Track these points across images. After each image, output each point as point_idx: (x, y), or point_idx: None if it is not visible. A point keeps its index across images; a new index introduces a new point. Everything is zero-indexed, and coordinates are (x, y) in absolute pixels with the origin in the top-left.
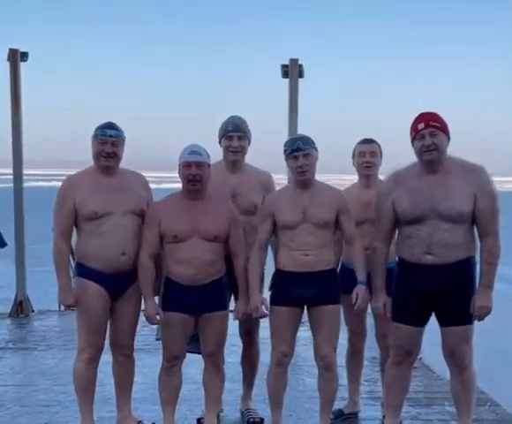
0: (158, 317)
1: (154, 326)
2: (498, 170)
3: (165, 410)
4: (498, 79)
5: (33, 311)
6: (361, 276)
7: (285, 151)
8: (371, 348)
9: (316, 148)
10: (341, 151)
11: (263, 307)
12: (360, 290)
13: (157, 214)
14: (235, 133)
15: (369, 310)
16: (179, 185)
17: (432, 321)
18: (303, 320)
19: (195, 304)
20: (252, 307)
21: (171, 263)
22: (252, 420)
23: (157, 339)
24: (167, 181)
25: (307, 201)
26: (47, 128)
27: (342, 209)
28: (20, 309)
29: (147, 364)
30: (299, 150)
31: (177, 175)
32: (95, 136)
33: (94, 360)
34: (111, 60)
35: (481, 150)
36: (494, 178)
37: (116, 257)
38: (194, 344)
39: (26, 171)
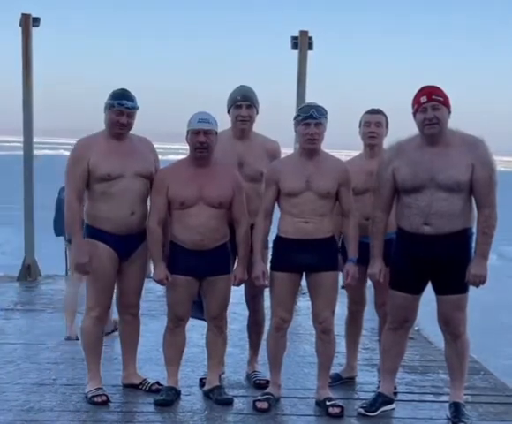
0: (166, 281)
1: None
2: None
3: (169, 369)
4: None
5: (40, 275)
6: (352, 252)
7: (297, 116)
8: (370, 319)
9: (327, 119)
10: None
11: (263, 279)
12: (350, 267)
13: (165, 180)
14: (243, 103)
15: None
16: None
17: (431, 294)
18: (304, 291)
19: (200, 268)
20: (253, 276)
21: (178, 229)
22: (258, 381)
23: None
24: (173, 153)
25: (311, 170)
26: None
27: (344, 181)
28: (28, 273)
29: (151, 329)
30: (312, 118)
31: (184, 146)
32: (111, 105)
33: (101, 319)
34: (121, 30)
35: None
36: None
37: (126, 217)
38: (198, 310)
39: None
